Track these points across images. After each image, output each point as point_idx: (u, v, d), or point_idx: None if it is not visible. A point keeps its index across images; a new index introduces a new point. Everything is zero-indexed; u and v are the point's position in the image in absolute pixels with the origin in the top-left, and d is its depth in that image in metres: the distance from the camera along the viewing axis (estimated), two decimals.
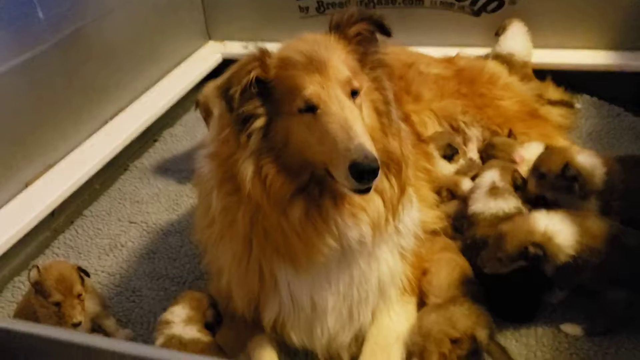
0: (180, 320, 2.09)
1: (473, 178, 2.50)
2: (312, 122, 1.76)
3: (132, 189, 3.26)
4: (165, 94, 3.70)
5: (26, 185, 2.93)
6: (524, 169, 2.50)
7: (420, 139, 2.81)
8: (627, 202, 2.28)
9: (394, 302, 2.13)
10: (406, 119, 2.81)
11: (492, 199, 2.35)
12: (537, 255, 2.01)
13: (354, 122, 1.72)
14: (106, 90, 3.39)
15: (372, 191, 1.80)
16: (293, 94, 1.78)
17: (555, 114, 3.21)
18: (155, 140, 3.66)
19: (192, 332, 2.07)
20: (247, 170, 1.82)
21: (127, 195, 3.21)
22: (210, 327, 2.12)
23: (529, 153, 2.61)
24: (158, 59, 3.80)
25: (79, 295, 2.15)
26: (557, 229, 2.04)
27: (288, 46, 1.88)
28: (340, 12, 1.92)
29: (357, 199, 1.89)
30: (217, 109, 2.04)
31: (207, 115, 3.13)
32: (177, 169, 3.36)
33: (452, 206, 2.53)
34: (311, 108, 1.76)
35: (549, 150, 2.47)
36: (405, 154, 1.96)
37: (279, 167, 1.83)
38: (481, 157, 2.83)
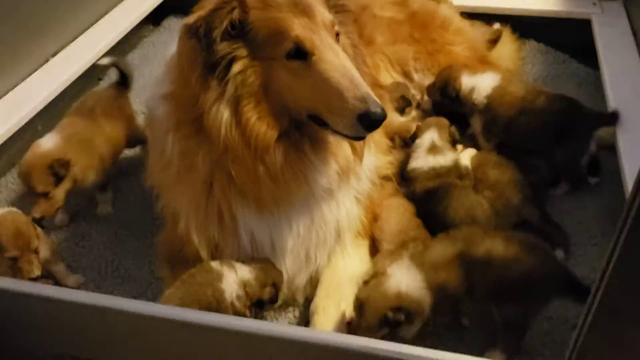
0: (235, 282, 1.94)
1: (413, 137, 2.54)
2: (303, 69, 1.74)
3: None
4: (110, 30, 3.53)
5: None
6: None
7: (374, 82, 2.82)
8: (507, 134, 2.57)
9: (348, 245, 2.19)
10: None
11: (431, 155, 2.43)
12: (397, 320, 1.82)
13: (354, 70, 1.73)
14: (46, 25, 3.21)
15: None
16: (279, 37, 1.74)
17: (505, 58, 3.26)
18: (99, 79, 3.53)
19: (237, 301, 1.92)
20: (222, 115, 1.78)
21: None
22: (261, 305, 2.00)
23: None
24: None
25: (35, 250, 2.12)
26: (407, 283, 1.86)
27: None
28: None
29: (330, 145, 1.93)
30: (176, 47, 1.96)
31: None
32: None
33: (401, 154, 2.58)
34: (302, 54, 1.73)
35: (447, 66, 2.78)
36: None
37: (260, 113, 1.81)
38: None
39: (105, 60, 2.84)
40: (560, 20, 3.47)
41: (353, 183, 2.13)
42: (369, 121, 1.70)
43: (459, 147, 2.56)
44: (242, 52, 1.77)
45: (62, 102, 3.23)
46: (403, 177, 2.50)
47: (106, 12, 3.67)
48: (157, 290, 2.25)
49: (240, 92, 1.78)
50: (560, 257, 2.25)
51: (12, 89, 3.03)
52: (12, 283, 1.88)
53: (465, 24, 3.15)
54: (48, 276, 2.29)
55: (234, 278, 1.94)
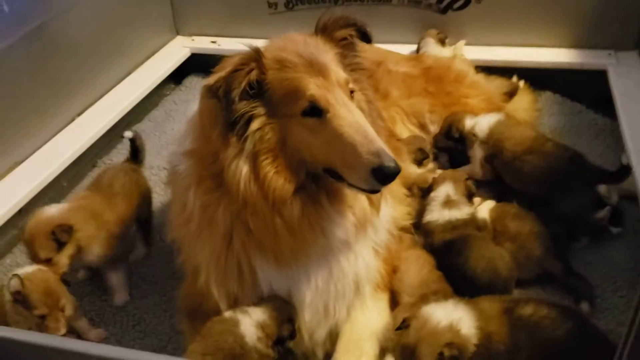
0: (252, 325, 1.95)
1: (428, 190, 2.57)
2: (318, 126, 1.79)
3: None
4: (133, 90, 3.65)
5: None
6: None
7: (390, 134, 2.86)
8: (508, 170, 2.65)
9: (367, 298, 2.17)
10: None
11: (446, 209, 2.45)
12: (454, 356, 1.78)
13: (367, 125, 1.78)
14: (73, 85, 3.33)
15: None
16: (295, 96, 1.80)
17: (521, 110, 3.29)
18: (123, 137, 3.61)
19: (259, 343, 1.93)
20: (241, 170, 1.83)
21: None
22: (282, 342, 1.99)
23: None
24: (125, 54, 3.75)
25: (62, 308, 2.14)
26: (459, 316, 1.87)
27: (279, 46, 1.89)
28: (327, 15, 1.99)
29: (346, 197, 1.96)
30: (197, 106, 2.02)
31: None
32: (147, 165, 3.31)
33: (417, 204, 2.59)
34: (317, 111, 1.78)
35: (450, 113, 2.91)
36: (389, 145, 2.00)
37: (278, 168, 1.85)
38: None
39: (128, 134, 2.90)
40: (575, 72, 3.50)
41: (371, 234, 2.13)
42: (382, 175, 1.73)
43: (476, 199, 2.56)
44: (260, 110, 1.83)
45: (86, 159, 3.32)
46: (418, 228, 2.49)
47: (129, 73, 3.79)
48: (177, 344, 2.26)
49: (258, 148, 1.83)
50: (586, 310, 2.22)
51: (40, 147, 3.13)
52: (40, 337, 1.89)
53: (479, 77, 3.21)
54: (71, 332, 2.30)
55: (250, 321, 1.94)
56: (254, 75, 1.78)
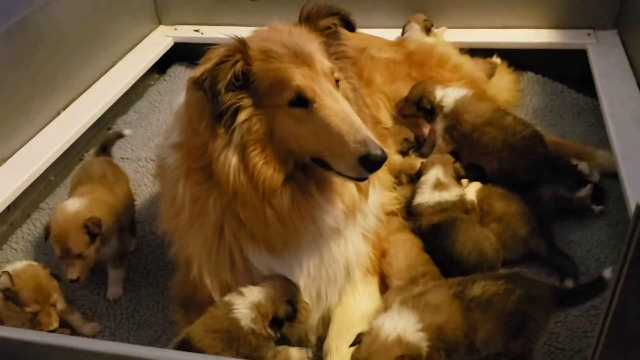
0: (246, 307, 1.94)
1: (418, 174, 2.61)
2: (305, 116, 1.82)
3: None
4: (117, 82, 3.65)
5: None
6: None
7: (375, 121, 2.89)
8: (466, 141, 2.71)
9: (358, 282, 2.22)
10: None
11: (436, 191, 2.49)
12: None
13: (353, 114, 1.81)
14: (56, 79, 3.32)
15: None
16: (281, 87, 1.82)
17: (503, 91, 3.34)
18: (109, 129, 3.61)
19: (254, 325, 1.92)
20: (229, 161, 1.85)
21: None
22: (278, 323, 1.98)
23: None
24: (108, 46, 3.73)
25: (54, 303, 2.17)
26: (403, 326, 1.80)
27: (263, 37, 1.91)
28: (311, 4, 2.00)
29: (335, 185, 1.99)
30: (184, 99, 2.04)
31: None
32: (135, 157, 3.34)
33: (407, 190, 2.62)
34: (304, 102, 1.81)
35: (418, 82, 2.94)
36: (376, 134, 2.08)
37: (267, 159, 1.88)
38: None
39: (128, 132, 3.07)
40: (556, 52, 3.55)
41: (360, 220, 2.17)
42: (370, 163, 1.76)
43: (464, 181, 2.60)
44: (247, 101, 1.85)
45: (73, 153, 3.32)
46: (409, 213, 2.53)
47: (113, 64, 3.78)
48: (172, 335, 2.27)
49: (246, 139, 1.85)
50: (570, 287, 2.26)
51: (26, 142, 3.12)
52: (33, 335, 1.90)
53: (463, 59, 3.23)
54: (64, 325, 2.32)
55: (244, 303, 1.95)
56: (239, 66, 1.79)
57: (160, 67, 4.09)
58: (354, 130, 1.77)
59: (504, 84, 3.39)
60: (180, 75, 4.02)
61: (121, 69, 3.77)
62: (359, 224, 2.19)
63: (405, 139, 2.85)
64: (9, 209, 2.88)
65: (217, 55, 1.80)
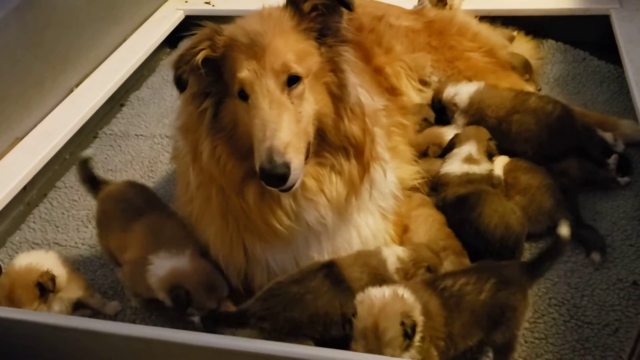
0: (393, 255, 2.01)
1: (451, 147, 2.54)
2: (245, 109, 1.79)
3: (104, 157, 3.20)
4: (129, 57, 3.60)
5: None
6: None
7: (394, 92, 2.83)
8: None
9: None
10: (379, 72, 2.83)
11: (466, 164, 2.43)
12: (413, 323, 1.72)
13: (276, 120, 1.72)
14: (68, 57, 3.27)
15: (330, 172, 1.91)
16: (233, 77, 1.78)
17: (525, 55, 3.25)
18: (122, 105, 3.58)
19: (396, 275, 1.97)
20: (206, 149, 1.86)
21: (99, 164, 3.14)
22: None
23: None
24: (119, 21, 3.67)
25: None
26: (395, 287, 1.81)
27: (241, 24, 1.85)
28: None
29: (310, 183, 1.92)
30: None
31: None
32: (149, 133, 3.31)
33: (431, 164, 2.56)
34: (245, 95, 1.77)
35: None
36: (369, 131, 1.97)
37: (230, 149, 1.86)
38: None
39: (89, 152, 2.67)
40: (578, 18, 3.44)
41: (377, 200, 2.13)
42: (263, 175, 1.70)
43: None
44: (214, 89, 1.84)
45: (87, 130, 3.29)
46: (432, 188, 2.49)
47: (124, 40, 3.73)
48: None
49: (215, 127, 1.85)
50: (597, 260, 2.23)
51: (41, 121, 3.10)
52: (56, 317, 1.91)
53: (482, 28, 3.14)
54: (85, 307, 2.33)
55: (391, 252, 2.01)
56: (202, 54, 1.77)
57: (172, 41, 4.02)
58: (264, 137, 1.70)
59: (524, 51, 3.30)
60: None
61: (132, 44, 3.72)
62: (375, 205, 2.15)
63: (425, 119, 2.79)
64: (25, 188, 2.87)
65: (189, 41, 1.81)
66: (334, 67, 1.90)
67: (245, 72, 1.75)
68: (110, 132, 3.37)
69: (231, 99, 1.83)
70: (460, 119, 2.74)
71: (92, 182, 2.51)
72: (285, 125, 1.72)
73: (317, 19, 1.85)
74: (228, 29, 1.82)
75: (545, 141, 2.52)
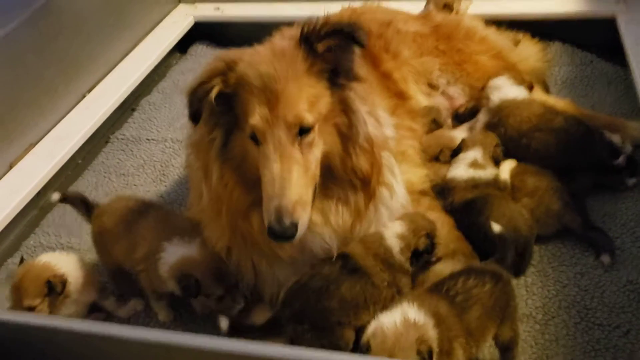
0: (394, 237, 2.06)
1: (457, 151, 2.56)
2: (257, 152, 1.81)
3: (116, 162, 3.24)
4: (140, 62, 3.65)
5: (10, 167, 2.90)
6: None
7: (403, 96, 2.85)
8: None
9: None
10: (388, 77, 2.85)
11: (472, 169, 2.46)
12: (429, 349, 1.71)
13: (285, 176, 1.74)
14: (80, 62, 3.32)
15: (336, 204, 1.96)
16: (245, 118, 1.80)
17: (531, 59, 3.27)
18: (133, 110, 3.61)
19: (401, 255, 2.04)
20: (214, 173, 1.90)
21: (111, 169, 3.19)
22: (417, 256, 2.05)
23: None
24: (129, 27, 3.72)
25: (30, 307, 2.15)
26: (404, 312, 1.78)
27: (253, 59, 1.83)
28: (311, 23, 1.81)
29: (316, 218, 1.95)
30: None
31: None
32: (161, 138, 3.34)
33: (439, 168, 2.59)
34: (257, 140, 1.79)
35: None
36: (377, 163, 1.98)
37: (238, 178, 1.90)
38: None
39: (55, 196, 2.56)
40: (584, 21, 3.46)
41: (383, 217, 2.14)
42: (271, 233, 1.74)
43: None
44: (224, 120, 1.86)
45: (100, 135, 3.33)
46: (440, 192, 2.51)
47: (135, 45, 3.77)
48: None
49: (224, 156, 1.88)
50: (607, 262, 2.25)
51: (54, 126, 3.15)
52: (72, 323, 1.93)
53: (489, 31, 3.16)
54: (100, 311, 2.37)
55: (392, 234, 2.05)
56: (215, 90, 1.78)
57: (182, 46, 4.06)
58: (273, 194, 1.73)
59: (531, 53, 3.32)
60: (202, 54, 4.00)
61: (143, 50, 3.77)
62: (382, 222, 2.15)
63: (434, 120, 2.80)
64: (39, 193, 2.90)
65: (202, 74, 1.82)
66: (345, 107, 1.88)
67: (257, 119, 1.75)
68: (122, 137, 3.40)
69: (241, 132, 1.84)
70: (483, 115, 2.75)
71: (87, 208, 2.47)
72: (294, 182, 1.74)
73: (330, 59, 1.83)
74: (240, 66, 1.81)
75: (562, 159, 2.51)
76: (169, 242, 2.14)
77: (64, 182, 3.10)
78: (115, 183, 3.10)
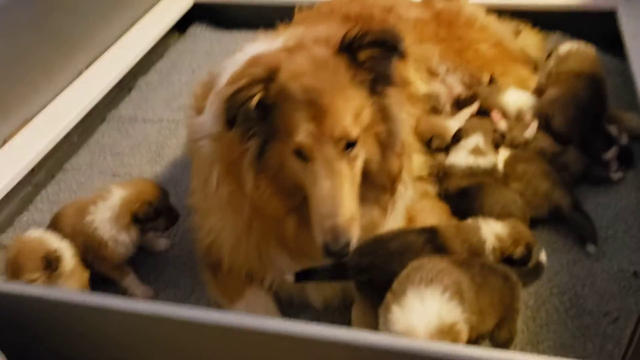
0: (491, 234, 2.02)
1: (457, 138, 2.56)
2: (304, 168, 1.78)
3: (112, 141, 3.22)
4: (138, 41, 3.61)
5: (4, 142, 2.87)
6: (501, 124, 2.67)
7: (403, 82, 2.84)
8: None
9: None
10: None
11: (472, 155, 2.47)
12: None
13: (337, 194, 1.73)
14: (77, 39, 3.29)
15: (368, 204, 1.95)
16: (288, 132, 1.76)
17: (531, 48, 3.28)
18: (130, 89, 3.59)
19: (492, 254, 2.00)
20: (248, 182, 1.88)
21: (107, 147, 3.18)
22: (510, 263, 2.00)
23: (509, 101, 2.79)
24: (128, 4, 3.68)
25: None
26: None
27: (293, 69, 1.77)
28: (353, 32, 1.77)
29: None
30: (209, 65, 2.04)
31: None
32: (157, 118, 3.33)
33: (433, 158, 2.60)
34: (304, 156, 1.77)
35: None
36: (402, 163, 2.01)
37: (275, 188, 1.88)
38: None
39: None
40: (585, 13, 3.47)
41: (397, 208, 2.15)
42: (328, 252, 1.75)
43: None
44: (262, 129, 1.81)
45: (96, 113, 3.31)
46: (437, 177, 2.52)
47: (134, 23, 3.74)
48: (200, 295, 2.31)
49: (260, 166, 1.85)
50: (592, 252, 2.27)
51: (49, 103, 3.11)
52: (70, 294, 1.94)
53: (490, 20, 3.16)
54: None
55: (490, 230, 2.02)
56: (256, 99, 1.74)
57: (180, 25, 4.03)
58: (328, 213, 1.72)
59: (532, 42, 3.33)
60: (201, 35, 3.98)
61: (141, 29, 3.73)
62: (395, 211, 2.16)
63: (434, 107, 2.80)
64: (33, 170, 2.88)
65: (243, 80, 1.75)
66: (384, 115, 1.87)
67: (304, 137, 1.72)
68: (118, 116, 3.39)
69: (279, 144, 1.81)
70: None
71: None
72: (347, 198, 1.74)
73: (371, 67, 1.81)
74: (282, 76, 1.75)
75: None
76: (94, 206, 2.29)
77: (59, 159, 3.08)
78: (110, 162, 3.08)
